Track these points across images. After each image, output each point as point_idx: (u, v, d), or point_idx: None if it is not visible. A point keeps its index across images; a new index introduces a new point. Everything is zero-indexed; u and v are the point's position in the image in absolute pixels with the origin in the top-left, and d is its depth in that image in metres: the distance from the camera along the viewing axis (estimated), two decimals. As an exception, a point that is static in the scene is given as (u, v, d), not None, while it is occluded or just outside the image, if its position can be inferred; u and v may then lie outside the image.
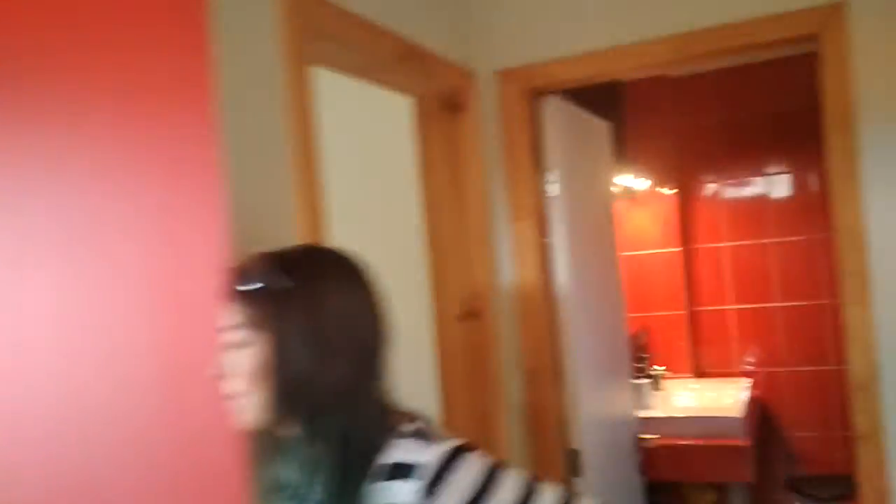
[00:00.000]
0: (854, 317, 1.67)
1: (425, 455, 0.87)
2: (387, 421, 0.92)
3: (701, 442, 2.86)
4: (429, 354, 1.95)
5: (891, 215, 1.69)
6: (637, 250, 3.68)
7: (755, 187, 3.59)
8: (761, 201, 3.58)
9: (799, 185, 3.51)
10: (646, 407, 3.18)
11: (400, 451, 0.89)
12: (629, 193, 3.61)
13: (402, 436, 0.90)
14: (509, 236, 1.99)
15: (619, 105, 3.70)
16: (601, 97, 3.48)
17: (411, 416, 0.94)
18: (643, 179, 3.62)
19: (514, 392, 2.01)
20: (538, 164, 2.08)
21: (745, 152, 3.60)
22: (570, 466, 2.08)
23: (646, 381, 3.22)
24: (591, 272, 2.34)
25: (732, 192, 3.64)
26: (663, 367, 3.46)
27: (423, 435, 0.91)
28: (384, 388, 0.95)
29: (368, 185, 2.01)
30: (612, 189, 3.38)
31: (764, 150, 3.57)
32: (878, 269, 1.69)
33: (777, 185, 3.56)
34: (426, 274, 1.94)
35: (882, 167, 1.69)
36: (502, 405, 1.94)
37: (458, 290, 1.92)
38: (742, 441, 2.82)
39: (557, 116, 2.11)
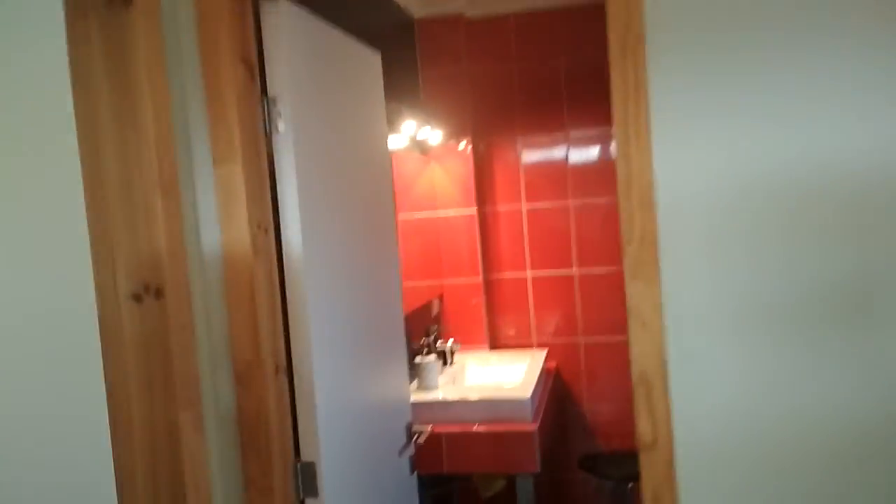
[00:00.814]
0: (637, 295, 1.31)
1: None
2: None
3: (484, 428, 2.52)
4: (93, 348, 1.39)
5: (686, 162, 1.33)
6: (431, 211, 3.27)
7: (558, 144, 3.29)
8: (564, 160, 3.28)
9: (604, 143, 3.24)
10: (432, 387, 2.80)
11: None
12: (421, 146, 3.18)
13: None
14: (211, 184, 1.46)
15: (411, 46, 3.24)
16: (389, 34, 2.99)
17: None
18: (437, 131, 3.19)
19: (219, 394, 1.50)
20: (260, 89, 1.55)
21: (547, 106, 3.27)
22: (301, 485, 1.62)
23: (432, 358, 2.83)
24: (347, 233, 1.87)
25: (534, 148, 3.31)
26: (451, 341, 3.09)
27: None
28: None
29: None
30: (401, 140, 2.93)
31: (568, 104, 3.26)
32: (669, 232, 1.34)
33: (582, 142, 3.27)
34: (85, 236, 1.36)
35: (674, 100, 1.33)
36: (197, 413, 1.42)
37: (130, 259, 1.36)
38: (529, 426, 2.50)
39: (287, 27, 1.58)
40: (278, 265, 1.59)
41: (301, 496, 1.62)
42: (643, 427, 1.31)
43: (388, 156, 2.23)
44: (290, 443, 1.61)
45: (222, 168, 1.45)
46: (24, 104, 1.42)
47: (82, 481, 1.45)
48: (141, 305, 1.37)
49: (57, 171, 1.38)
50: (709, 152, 1.35)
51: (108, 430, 1.39)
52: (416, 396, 2.66)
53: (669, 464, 1.29)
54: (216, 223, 1.46)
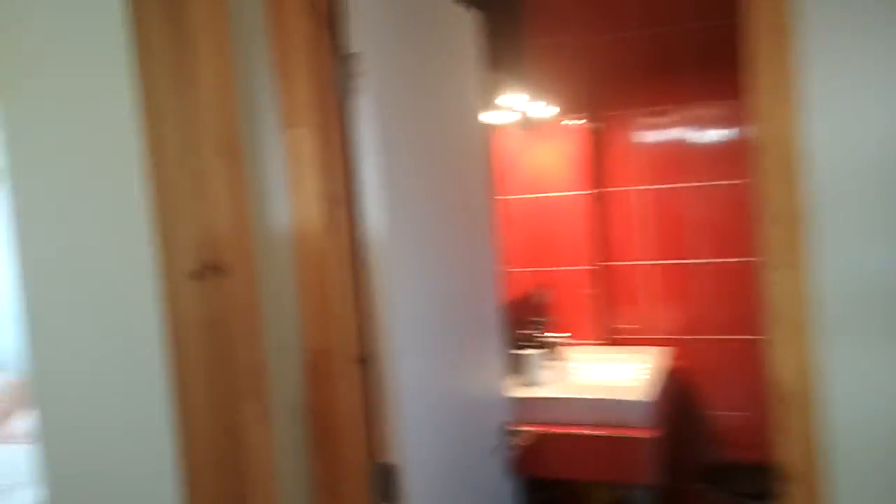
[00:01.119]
0: (779, 287, 1.04)
1: None
2: None
3: (595, 432, 2.27)
4: (155, 329, 1.27)
5: (844, 123, 1.05)
6: (537, 192, 3.03)
7: (683, 120, 2.96)
8: (690, 136, 2.96)
9: (735, 117, 2.88)
10: (535, 383, 2.58)
11: None
12: (528, 122, 2.95)
13: None
14: (280, 152, 1.31)
15: (514, 9, 3.01)
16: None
17: None
18: (547, 106, 2.95)
19: (288, 385, 1.36)
20: (334, 44, 1.39)
21: (670, 78, 2.95)
22: (381, 489, 1.45)
23: (537, 351, 2.61)
24: (436, 210, 1.68)
25: (655, 125, 3.00)
26: (564, 334, 2.86)
27: None
28: None
29: (55, 79, 1.30)
30: (506, 115, 2.72)
31: (694, 77, 2.93)
32: (820, 210, 1.06)
33: (711, 119, 2.93)
34: (146, 209, 1.25)
35: (829, 44, 1.05)
36: (263, 404, 1.28)
37: (190, 232, 1.24)
38: (649, 432, 2.24)
39: (369, -24, 1.41)
40: (356, 244, 1.43)
41: (379, 502, 1.46)
42: (786, 452, 1.04)
43: (484, 129, 2.03)
44: (367, 442, 1.45)
45: (290, 133, 1.30)
46: (81, 69, 1.32)
47: (145, 472, 1.35)
48: (202, 284, 1.24)
49: (116, 136, 1.27)
50: (874, 111, 1.06)
51: (171, 420, 1.27)
52: (518, 393, 2.46)
53: (818, 499, 1.02)
54: (284, 196, 1.32)
